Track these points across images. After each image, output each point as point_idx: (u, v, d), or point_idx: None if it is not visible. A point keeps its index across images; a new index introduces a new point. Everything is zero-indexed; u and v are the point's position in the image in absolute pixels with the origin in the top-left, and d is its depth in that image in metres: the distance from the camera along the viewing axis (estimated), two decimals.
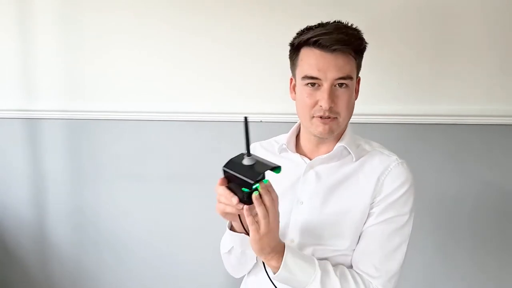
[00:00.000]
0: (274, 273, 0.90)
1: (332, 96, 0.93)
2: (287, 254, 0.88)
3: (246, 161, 0.80)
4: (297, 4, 1.43)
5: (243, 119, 0.79)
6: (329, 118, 0.94)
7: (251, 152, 0.81)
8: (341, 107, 0.94)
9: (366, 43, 0.97)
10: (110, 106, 1.60)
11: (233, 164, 0.81)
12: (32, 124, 1.67)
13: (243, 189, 0.79)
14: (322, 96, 0.93)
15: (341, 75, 0.92)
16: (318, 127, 0.95)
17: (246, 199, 0.80)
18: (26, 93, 1.64)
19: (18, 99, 1.65)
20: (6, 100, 1.66)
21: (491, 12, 1.38)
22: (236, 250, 0.99)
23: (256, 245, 0.85)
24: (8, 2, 1.60)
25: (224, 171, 0.83)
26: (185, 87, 1.55)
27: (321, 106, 0.93)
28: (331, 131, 0.95)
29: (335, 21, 0.96)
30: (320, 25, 0.96)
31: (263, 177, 0.79)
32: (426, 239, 1.51)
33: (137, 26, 1.54)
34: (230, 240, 0.98)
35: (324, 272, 0.91)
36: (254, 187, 0.79)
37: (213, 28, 1.50)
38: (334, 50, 0.91)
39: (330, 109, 0.93)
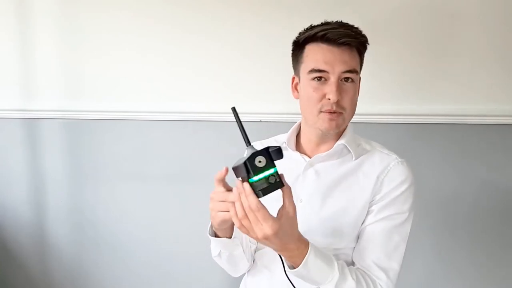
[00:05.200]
0: (290, 268, 0.86)
1: (339, 89, 0.93)
2: (310, 254, 0.83)
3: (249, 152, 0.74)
4: (297, 4, 1.43)
5: (231, 111, 0.78)
6: (336, 113, 0.95)
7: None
8: (347, 102, 0.95)
9: (368, 42, 0.98)
10: (109, 106, 1.60)
11: (239, 162, 0.75)
12: (31, 124, 1.67)
13: (264, 175, 0.73)
14: (330, 89, 0.93)
15: (348, 68, 0.93)
16: (325, 122, 0.95)
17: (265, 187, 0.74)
18: (26, 93, 1.64)
19: (17, 99, 1.65)
20: (5, 100, 1.66)
21: (490, 12, 1.38)
22: (224, 253, 0.99)
23: (276, 240, 0.77)
24: (7, 2, 1.59)
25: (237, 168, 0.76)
26: (185, 87, 1.55)
27: (329, 99, 0.93)
28: (337, 126, 0.96)
29: (337, 21, 0.98)
30: (324, 23, 0.97)
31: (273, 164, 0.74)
32: (425, 239, 1.51)
33: (137, 25, 1.54)
34: (216, 246, 0.98)
35: (342, 275, 0.88)
36: (273, 170, 0.74)
37: (213, 28, 1.50)
38: (341, 44, 0.93)
39: (337, 103, 0.93)
